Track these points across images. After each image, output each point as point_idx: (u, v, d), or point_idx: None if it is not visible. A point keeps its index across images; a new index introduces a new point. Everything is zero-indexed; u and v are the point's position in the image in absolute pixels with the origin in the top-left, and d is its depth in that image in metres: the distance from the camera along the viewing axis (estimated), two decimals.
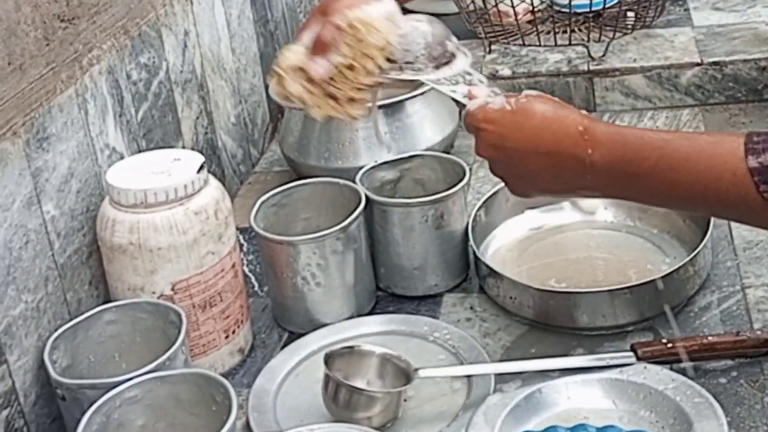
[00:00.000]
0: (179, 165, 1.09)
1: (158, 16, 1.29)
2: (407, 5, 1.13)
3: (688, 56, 1.63)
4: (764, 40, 1.65)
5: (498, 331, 1.16)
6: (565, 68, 1.64)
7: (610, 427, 0.97)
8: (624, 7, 1.75)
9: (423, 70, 1.01)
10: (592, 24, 1.73)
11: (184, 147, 1.35)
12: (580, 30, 1.75)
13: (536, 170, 0.93)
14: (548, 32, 1.73)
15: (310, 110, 1.03)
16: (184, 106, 1.36)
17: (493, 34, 1.76)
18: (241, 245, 1.32)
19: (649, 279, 1.11)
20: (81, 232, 1.10)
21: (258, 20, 1.63)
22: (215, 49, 1.46)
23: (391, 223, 1.20)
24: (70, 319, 1.04)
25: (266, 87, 1.63)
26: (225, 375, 1.08)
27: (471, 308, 1.20)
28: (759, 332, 1.06)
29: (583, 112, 0.96)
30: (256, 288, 1.29)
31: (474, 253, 1.22)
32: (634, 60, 1.64)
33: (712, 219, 1.17)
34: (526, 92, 0.96)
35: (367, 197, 1.20)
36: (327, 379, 1.02)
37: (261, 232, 1.17)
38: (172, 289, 1.07)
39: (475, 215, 1.25)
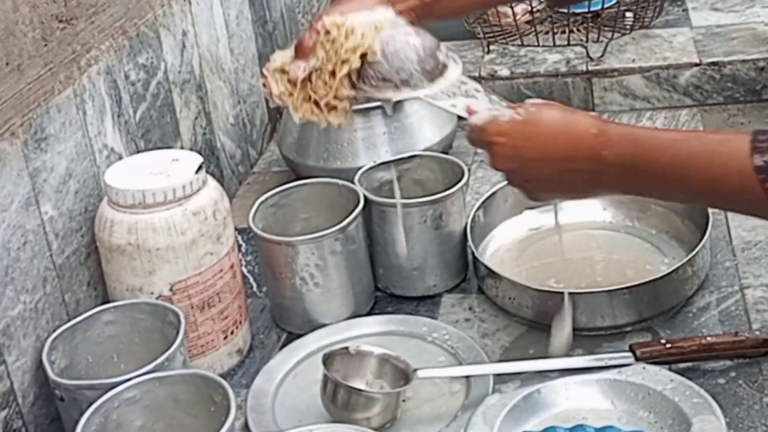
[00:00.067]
0: (177, 165, 1.09)
1: (156, 16, 1.29)
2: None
3: (686, 56, 1.63)
4: (763, 40, 1.65)
5: (497, 331, 1.16)
6: (563, 68, 1.64)
7: (608, 428, 0.97)
8: (622, 8, 1.75)
9: (419, 86, 1.02)
10: (590, 24, 1.73)
11: (182, 147, 1.35)
12: (578, 30, 1.75)
13: (554, 176, 0.95)
14: (547, 32, 1.73)
15: (291, 112, 1.06)
16: (182, 107, 1.36)
17: (491, 35, 1.76)
18: (240, 246, 1.32)
19: (647, 279, 1.11)
20: (79, 232, 1.10)
21: (256, 20, 1.63)
22: (214, 50, 1.46)
23: (390, 224, 1.20)
24: (69, 320, 1.04)
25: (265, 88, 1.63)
26: (223, 375, 1.08)
27: (470, 309, 1.20)
28: (757, 332, 1.06)
29: (593, 113, 0.98)
30: (255, 288, 1.29)
31: (473, 253, 1.22)
32: (633, 60, 1.64)
33: (711, 220, 1.18)
34: (530, 101, 0.98)
35: (365, 197, 1.20)
36: (326, 379, 1.02)
37: (259, 232, 1.17)
38: (171, 290, 1.07)
39: (474, 215, 1.25)
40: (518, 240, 1.30)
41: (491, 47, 1.74)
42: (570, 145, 0.94)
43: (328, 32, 1.02)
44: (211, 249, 1.08)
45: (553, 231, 1.30)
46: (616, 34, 1.69)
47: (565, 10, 1.75)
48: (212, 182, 1.12)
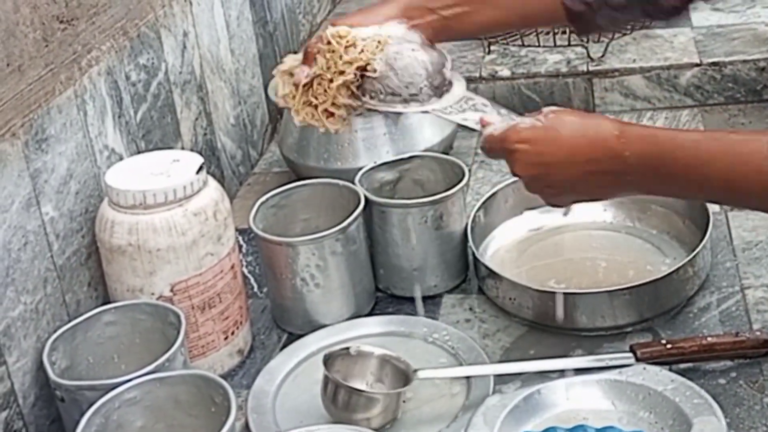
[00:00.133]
0: (178, 166, 1.09)
1: (157, 17, 1.29)
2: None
3: (687, 57, 1.63)
4: (763, 40, 1.65)
5: (497, 332, 1.16)
6: (564, 69, 1.64)
7: (609, 428, 0.97)
8: None
9: (428, 101, 1.05)
10: None
11: (183, 148, 1.35)
12: None
13: (577, 179, 0.97)
14: (547, 33, 1.73)
15: (292, 113, 1.11)
16: (183, 107, 1.36)
17: (492, 35, 1.76)
18: (240, 246, 1.32)
19: (648, 280, 1.11)
20: (80, 233, 1.10)
21: (257, 21, 1.63)
22: (214, 50, 1.46)
23: (390, 224, 1.20)
24: (69, 321, 1.04)
25: (265, 88, 1.63)
26: (224, 376, 1.08)
27: (470, 309, 1.20)
28: (758, 333, 1.06)
29: (611, 116, 1.00)
30: (255, 289, 1.29)
31: (473, 254, 1.22)
32: (634, 60, 1.64)
33: (712, 220, 1.18)
34: (548, 108, 1.00)
35: (366, 198, 1.20)
36: (326, 380, 1.02)
37: (260, 233, 1.17)
38: (171, 291, 1.07)
39: (475, 216, 1.25)
40: (519, 240, 1.30)
41: (492, 47, 1.74)
42: (593, 148, 0.96)
43: (329, 42, 1.04)
44: (211, 249, 1.08)
45: (553, 231, 1.30)
46: (617, 35, 1.69)
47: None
48: (213, 183, 1.12)
